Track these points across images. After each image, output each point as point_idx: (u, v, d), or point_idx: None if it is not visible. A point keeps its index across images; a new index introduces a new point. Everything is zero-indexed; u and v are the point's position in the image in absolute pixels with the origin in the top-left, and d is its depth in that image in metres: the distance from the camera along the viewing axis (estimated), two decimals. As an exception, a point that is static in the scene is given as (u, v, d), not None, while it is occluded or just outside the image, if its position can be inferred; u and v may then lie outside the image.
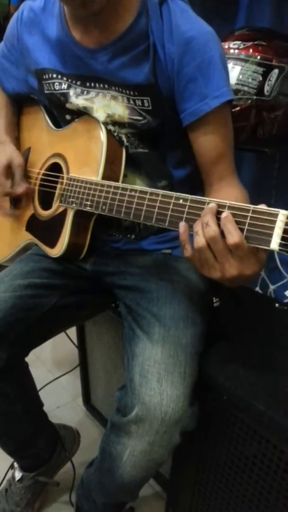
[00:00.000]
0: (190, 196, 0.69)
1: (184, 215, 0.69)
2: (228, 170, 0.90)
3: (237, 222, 0.62)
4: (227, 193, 0.86)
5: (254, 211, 0.61)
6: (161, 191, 0.73)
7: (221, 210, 0.64)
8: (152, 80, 0.85)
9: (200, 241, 0.64)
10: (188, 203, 0.69)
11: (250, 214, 0.61)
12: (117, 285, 1.04)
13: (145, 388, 0.80)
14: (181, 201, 0.70)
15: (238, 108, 1.13)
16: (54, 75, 0.95)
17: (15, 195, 1.07)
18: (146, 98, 0.87)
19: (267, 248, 0.60)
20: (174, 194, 0.71)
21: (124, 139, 0.94)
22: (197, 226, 0.65)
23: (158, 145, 0.94)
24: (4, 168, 1.03)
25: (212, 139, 0.87)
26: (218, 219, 0.63)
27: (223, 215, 0.62)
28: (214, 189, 0.90)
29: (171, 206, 0.71)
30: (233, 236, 0.61)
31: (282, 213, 0.58)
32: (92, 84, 0.91)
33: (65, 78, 0.93)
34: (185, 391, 0.81)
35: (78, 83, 0.92)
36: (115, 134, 0.94)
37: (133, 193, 0.78)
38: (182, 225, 0.68)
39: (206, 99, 0.83)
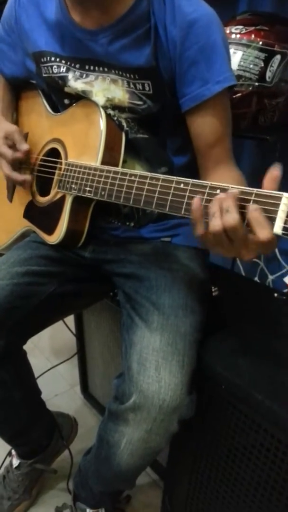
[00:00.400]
0: (191, 180, 0.68)
1: (185, 200, 0.68)
2: (225, 154, 0.89)
3: (240, 206, 0.61)
4: (223, 176, 0.85)
5: (257, 195, 0.60)
6: (161, 176, 0.72)
7: (244, 197, 0.60)
8: (153, 63, 0.83)
9: (216, 224, 0.61)
10: (189, 187, 0.68)
11: (253, 198, 0.60)
12: (116, 273, 1.03)
13: (143, 376, 0.80)
14: (182, 186, 0.69)
15: (239, 95, 1.11)
16: (53, 58, 0.93)
17: (22, 157, 1.02)
18: (147, 82, 0.85)
19: None
20: (175, 178, 0.70)
21: (124, 123, 0.92)
22: (214, 207, 0.62)
23: (158, 131, 0.93)
24: (2, 139, 1.00)
25: (211, 123, 0.86)
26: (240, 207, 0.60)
27: (252, 207, 0.58)
28: (210, 173, 0.89)
29: (171, 191, 0.70)
30: (264, 232, 0.57)
31: (286, 196, 0.57)
32: (92, 67, 0.89)
33: (63, 61, 0.92)
34: (183, 379, 0.80)
35: (77, 66, 0.90)
36: (115, 118, 0.92)
37: (133, 178, 0.77)
38: (197, 200, 0.64)
39: (208, 84, 0.82)
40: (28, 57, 0.99)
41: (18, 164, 1.04)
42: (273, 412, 0.74)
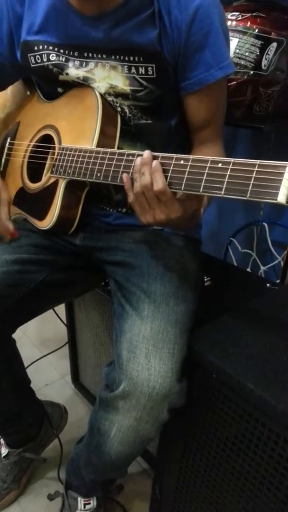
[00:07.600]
0: (191, 156, 0.70)
1: (186, 175, 0.70)
2: (213, 135, 0.94)
3: (244, 178, 0.62)
4: (202, 153, 0.90)
5: (260, 165, 0.61)
6: (160, 154, 0.73)
7: (164, 162, 0.71)
8: (158, 48, 0.83)
9: (137, 186, 0.74)
10: (189, 163, 0.69)
11: (256, 169, 0.61)
12: (107, 261, 1.02)
13: (132, 363, 0.79)
14: (182, 162, 0.70)
15: (234, 83, 1.10)
16: (45, 46, 0.89)
17: None
18: (151, 65, 0.85)
19: (273, 201, 0.59)
20: (175, 155, 0.72)
21: (127, 110, 0.91)
22: (135, 174, 0.74)
23: (161, 115, 0.93)
24: None
25: (207, 106, 0.90)
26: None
27: (153, 164, 0.71)
28: (195, 149, 0.95)
29: (171, 168, 0.72)
30: (158, 183, 0.70)
31: None
32: (90, 55, 0.87)
33: (56, 49, 0.88)
34: (173, 367, 0.80)
35: (76, 54, 0.88)
36: (117, 105, 0.91)
37: (130, 158, 0.77)
38: (125, 176, 0.76)
39: (212, 69, 0.84)
40: (16, 47, 0.94)
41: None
42: (264, 402, 0.74)
